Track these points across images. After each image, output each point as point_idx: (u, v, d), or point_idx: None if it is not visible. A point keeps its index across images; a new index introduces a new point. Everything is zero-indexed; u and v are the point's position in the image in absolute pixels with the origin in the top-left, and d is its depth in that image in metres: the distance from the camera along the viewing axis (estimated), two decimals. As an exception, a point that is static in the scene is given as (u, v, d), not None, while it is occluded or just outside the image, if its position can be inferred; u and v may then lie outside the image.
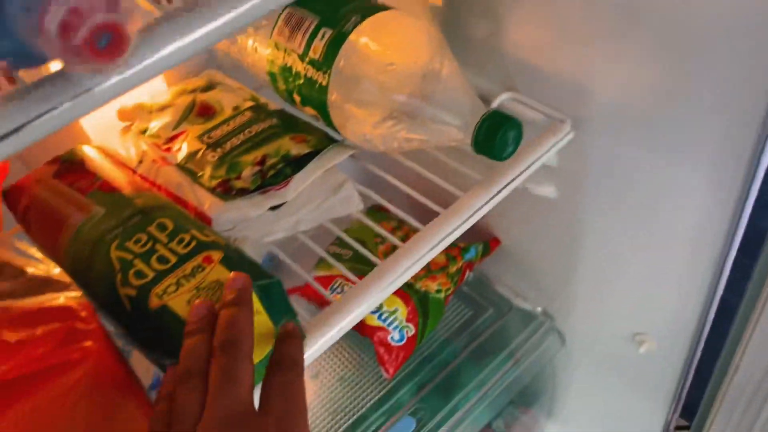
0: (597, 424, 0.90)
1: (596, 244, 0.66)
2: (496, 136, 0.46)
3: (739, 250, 0.56)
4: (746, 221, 0.53)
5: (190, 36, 0.28)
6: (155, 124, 0.58)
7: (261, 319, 0.38)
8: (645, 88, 0.50)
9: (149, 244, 0.42)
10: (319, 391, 0.76)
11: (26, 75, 0.27)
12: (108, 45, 0.21)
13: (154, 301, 0.38)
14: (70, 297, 0.35)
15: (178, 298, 0.38)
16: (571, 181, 0.62)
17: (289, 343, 0.36)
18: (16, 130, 0.24)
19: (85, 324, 0.34)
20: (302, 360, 0.35)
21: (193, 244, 0.41)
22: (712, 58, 0.44)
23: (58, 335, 0.32)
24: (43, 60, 0.25)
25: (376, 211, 0.77)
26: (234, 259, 0.40)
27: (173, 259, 0.40)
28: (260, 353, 0.39)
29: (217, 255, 0.40)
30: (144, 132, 0.58)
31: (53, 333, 0.32)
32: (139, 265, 0.40)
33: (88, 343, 0.33)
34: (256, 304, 0.38)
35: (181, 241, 0.42)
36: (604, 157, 0.57)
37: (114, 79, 0.27)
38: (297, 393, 0.33)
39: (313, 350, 0.44)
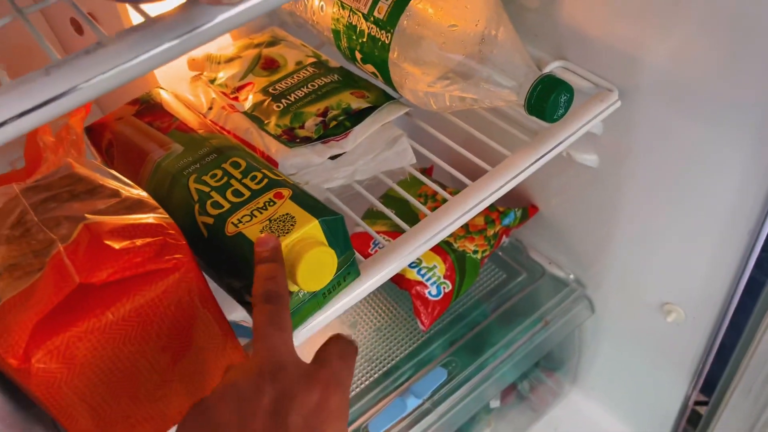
0: (619, 394, 0.93)
1: (632, 215, 0.69)
2: (549, 98, 0.48)
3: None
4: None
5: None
6: (223, 75, 0.62)
7: (325, 250, 0.42)
8: (693, 61, 0.52)
9: (224, 179, 0.46)
10: (356, 340, 0.80)
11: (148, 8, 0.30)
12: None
13: (230, 229, 0.42)
14: (159, 217, 0.40)
15: (252, 228, 0.42)
16: (613, 151, 0.65)
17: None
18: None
19: (175, 240, 0.38)
20: (356, 345, 0.38)
21: (265, 181, 0.45)
22: (759, 33, 0.46)
23: (154, 246, 0.37)
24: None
25: (422, 173, 0.80)
26: (302, 196, 0.44)
27: (247, 194, 0.44)
28: (323, 281, 0.43)
29: (286, 192, 0.44)
30: (213, 81, 0.62)
31: (150, 244, 0.37)
32: (216, 196, 0.44)
33: (179, 256, 0.37)
34: (321, 237, 0.42)
35: (253, 177, 0.45)
36: (648, 128, 0.59)
37: (223, 16, 0.30)
38: (351, 360, 0.37)
39: (365, 287, 0.48)
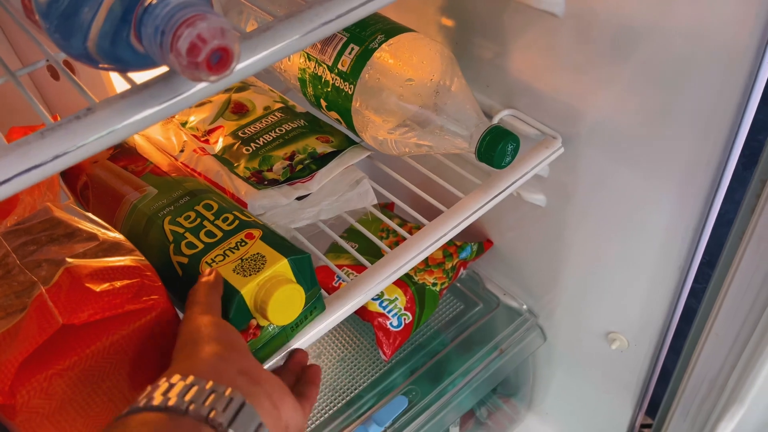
0: (572, 418, 0.98)
1: (578, 250, 0.74)
2: (497, 147, 0.53)
3: (703, 259, 0.64)
4: (708, 236, 0.61)
5: (254, 57, 0.36)
6: (194, 118, 0.65)
7: (293, 287, 0.45)
8: (628, 112, 0.58)
9: (198, 221, 0.49)
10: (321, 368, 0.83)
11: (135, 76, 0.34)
12: (218, 62, 0.29)
13: (204, 268, 0.45)
14: (136, 259, 0.43)
15: (225, 267, 0.45)
16: (559, 192, 0.70)
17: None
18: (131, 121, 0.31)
19: (151, 281, 0.41)
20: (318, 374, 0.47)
21: (236, 222, 0.48)
22: (684, 90, 0.52)
23: (132, 288, 0.39)
24: (152, 67, 0.33)
25: (382, 210, 0.85)
26: (271, 236, 0.47)
27: (219, 234, 0.48)
28: (292, 315, 0.46)
29: (257, 232, 0.47)
30: (184, 124, 0.65)
31: (128, 286, 0.39)
32: (190, 237, 0.48)
33: (155, 297, 0.40)
34: (290, 275, 0.46)
35: (225, 219, 0.49)
36: (589, 172, 0.65)
37: (202, 85, 0.34)
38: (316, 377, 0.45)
39: (330, 320, 0.51)
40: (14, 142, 0.31)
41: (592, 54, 0.57)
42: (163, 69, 0.34)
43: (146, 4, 0.29)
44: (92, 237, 0.44)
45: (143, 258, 0.43)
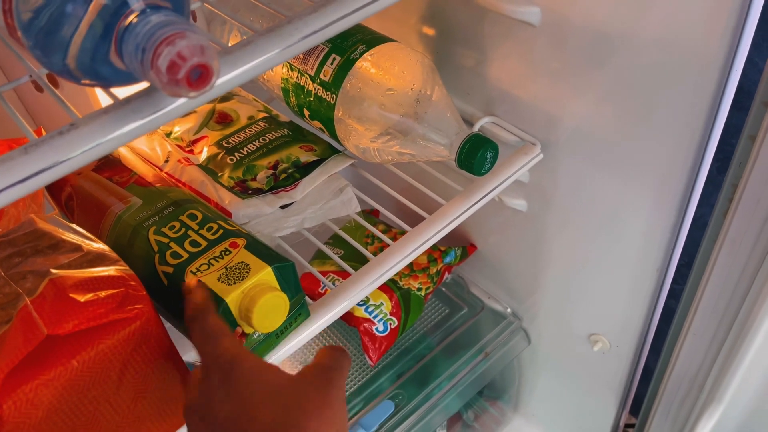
0: (557, 419, 0.99)
1: (559, 253, 0.76)
2: (476, 155, 0.55)
3: (680, 261, 0.66)
4: (684, 238, 0.63)
5: (235, 72, 0.37)
6: (178, 129, 0.66)
7: (278, 294, 0.46)
8: (604, 118, 0.59)
9: (182, 231, 0.50)
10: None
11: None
12: (198, 78, 0.30)
13: (189, 277, 0.46)
14: (120, 269, 0.43)
15: (210, 275, 0.45)
16: (539, 196, 0.71)
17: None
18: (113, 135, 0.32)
19: (135, 291, 0.42)
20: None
21: (221, 232, 0.49)
22: (657, 97, 0.54)
23: (117, 297, 0.40)
24: (133, 82, 0.34)
25: (367, 216, 0.86)
26: (255, 245, 0.48)
27: (204, 243, 0.48)
28: (277, 322, 0.47)
29: (241, 241, 0.48)
30: (168, 135, 0.65)
31: (113, 296, 0.40)
32: (175, 247, 0.48)
33: (140, 306, 0.41)
34: (274, 283, 0.46)
35: (209, 228, 0.49)
36: (568, 178, 0.66)
37: (183, 100, 0.35)
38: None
39: (315, 326, 0.52)
40: (-2, 158, 0.31)
41: (568, 62, 0.58)
42: (144, 84, 0.34)
43: (127, 23, 0.30)
44: (77, 248, 0.45)
45: (127, 268, 0.44)
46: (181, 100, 0.35)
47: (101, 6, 0.30)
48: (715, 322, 0.62)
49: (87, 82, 0.33)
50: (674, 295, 0.71)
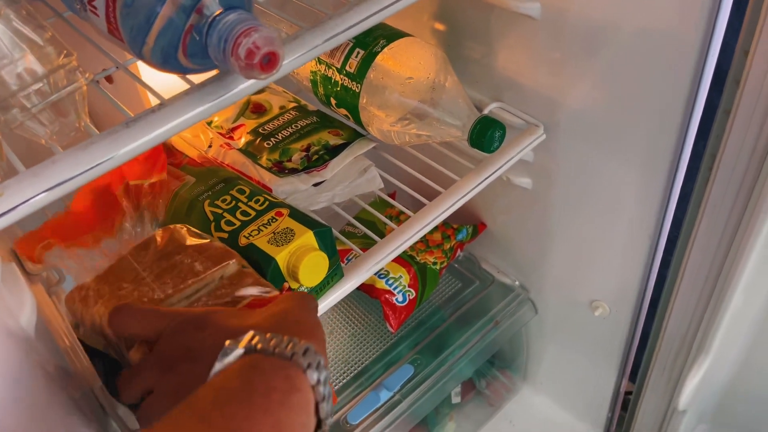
0: (563, 387, 1.06)
1: (563, 228, 0.83)
2: (486, 134, 0.62)
3: (670, 234, 0.73)
4: (674, 207, 0.70)
5: (290, 58, 0.44)
6: (218, 118, 0.73)
7: (319, 254, 0.53)
8: (599, 102, 0.67)
9: (233, 203, 0.57)
10: (333, 345, 0.91)
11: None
12: (268, 63, 0.37)
13: (243, 241, 0.53)
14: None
15: (261, 239, 0.53)
16: (543, 175, 0.79)
17: None
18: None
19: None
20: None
21: (267, 203, 0.57)
22: (643, 82, 0.61)
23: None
24: (210, 69, 0.41)
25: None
26: (297, 213, 0.56)
27: (253, 213, 0.56)
28: (318, 278, 0.54)
29: (285, 210, 0.56)
30: (209, 124, 0.73)
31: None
32: (228, 216, 0.56)
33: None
34: (315, 245, 0.54)
35: (257, 200, 0.57)
36: (569, 156, 0.74)
37: (249, 82, 0.43)
38: None
39: (348, 286, 0.59)
40: (103, 133, 0.39)
41: (566, 51, 0.66)
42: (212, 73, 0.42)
43: (210, 19, 0.37)
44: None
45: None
46: (246, 83, 0.42)
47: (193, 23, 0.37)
48: (701, 280, 0.69)
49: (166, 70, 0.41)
50: (667, 265, 0.78)
